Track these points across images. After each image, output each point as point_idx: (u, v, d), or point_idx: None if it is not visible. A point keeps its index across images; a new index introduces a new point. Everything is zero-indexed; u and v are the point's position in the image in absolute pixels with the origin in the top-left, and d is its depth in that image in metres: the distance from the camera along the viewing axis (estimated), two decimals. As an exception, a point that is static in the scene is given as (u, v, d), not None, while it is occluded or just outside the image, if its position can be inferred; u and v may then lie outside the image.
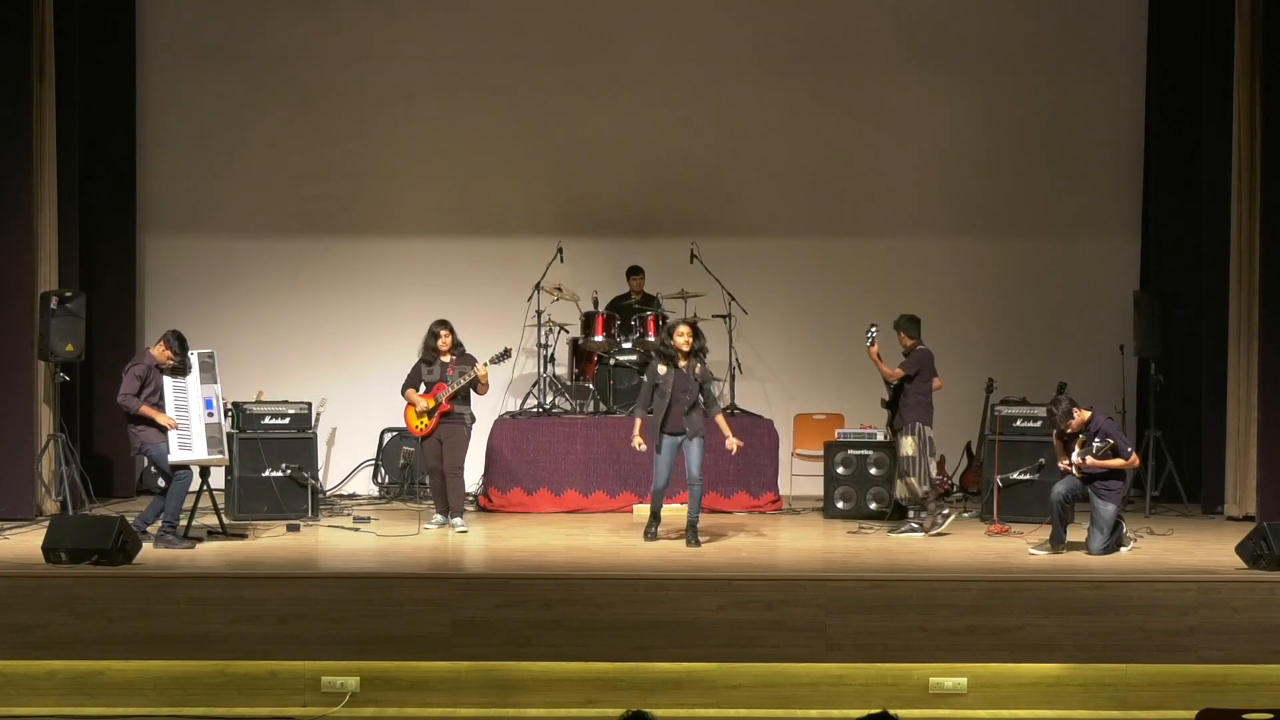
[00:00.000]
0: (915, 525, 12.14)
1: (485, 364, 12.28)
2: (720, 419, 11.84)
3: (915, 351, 12.23)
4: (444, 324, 12.38)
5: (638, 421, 11.85)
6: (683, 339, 11.63)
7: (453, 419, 12.25)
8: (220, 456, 11.75)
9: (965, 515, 13.35)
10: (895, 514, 12.71)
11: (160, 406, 11.41)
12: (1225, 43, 13.18)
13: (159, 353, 11.51)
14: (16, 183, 12.61)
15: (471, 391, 12.32)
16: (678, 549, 11.45)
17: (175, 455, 11.35)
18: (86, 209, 13.94)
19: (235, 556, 11.03)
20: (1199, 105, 13.84)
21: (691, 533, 11.62)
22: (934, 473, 12.31)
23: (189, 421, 11.47)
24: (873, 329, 12.12)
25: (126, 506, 12.87)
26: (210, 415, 11.57)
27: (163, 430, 11.36)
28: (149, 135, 14.90)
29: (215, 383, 11.72)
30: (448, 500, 12.31)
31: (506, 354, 12.66)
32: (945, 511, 12.28)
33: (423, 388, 12.33)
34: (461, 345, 12.42)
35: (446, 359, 12.31)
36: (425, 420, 12.25)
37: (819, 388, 14.90)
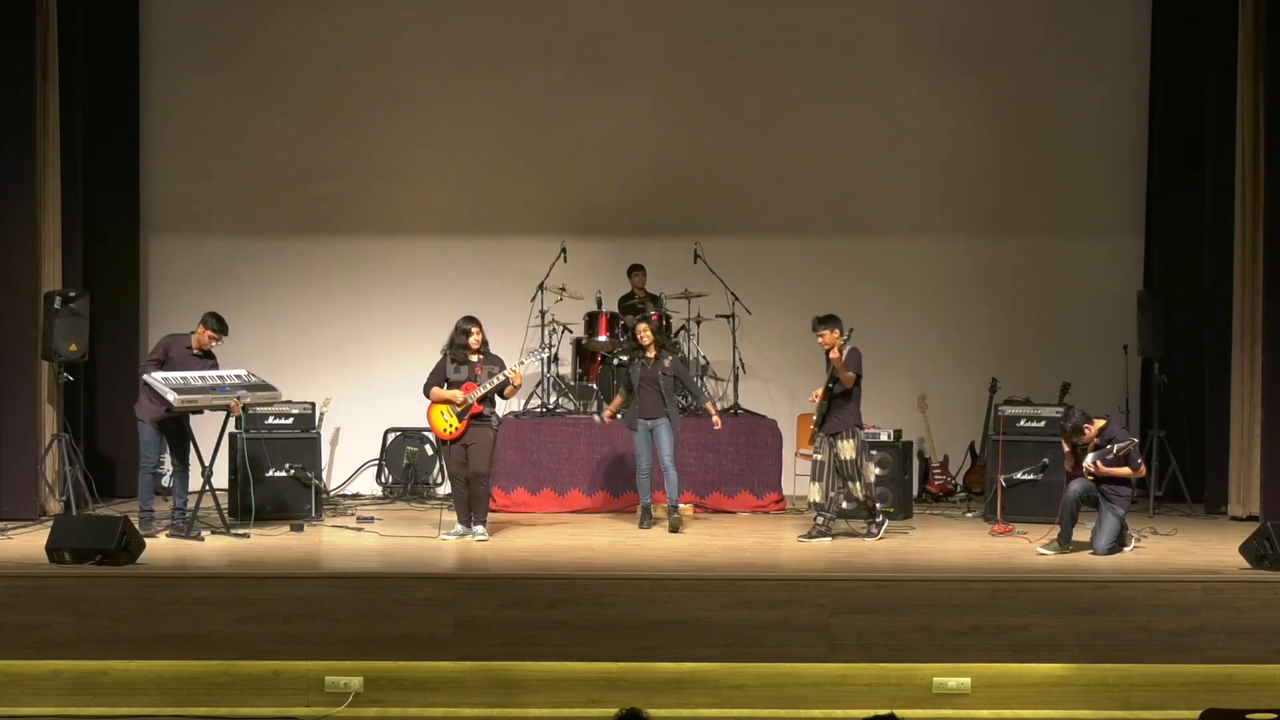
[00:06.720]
0: (823, 531, 11.87)
1: (518, 364, 11.91)
2: (709, 405, 12.70)
3: (852, 352, 11.75)
4: (474, 321, 11.72)
5: (617, 399, 12.85)
6: (642, 335, 12.60)
7: (481, 421, 11.65)
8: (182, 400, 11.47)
9: (969, 515, 13.36)
10: (866, 515, 12.32)
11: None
12: (1229, 41, 13.16)
13: (198, 338, 11.75)
14: (20, 182, 12.62)
15: (497, 395, 11.78)
16: (680, 549, 11.46)
17: (163, 388, 11.40)
18: (90, 208, 13.94)
19: (239, 556, 11.02)
20: (1202, 104, 13.82)
21: (672, 511, 12.31)
22: (871, 478, 12.02)
23: (193, 381, 11.53)
24: (849, 331, 11.74)
25: (130, 506, 12.82)
26: (204, 379, 11.59)
27: (162, 406, 11.48)
28: (153, 135, 14.91)
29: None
30: (470, 508, 11.75)
31: (542, 349, 13.18)
32: (880, 520, 12.04)
33: (446, 386, 11.71)
34: (488, 344, 11.86)
35: (474, 359, 11.72)
36: (455, 423, 11.62)
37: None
